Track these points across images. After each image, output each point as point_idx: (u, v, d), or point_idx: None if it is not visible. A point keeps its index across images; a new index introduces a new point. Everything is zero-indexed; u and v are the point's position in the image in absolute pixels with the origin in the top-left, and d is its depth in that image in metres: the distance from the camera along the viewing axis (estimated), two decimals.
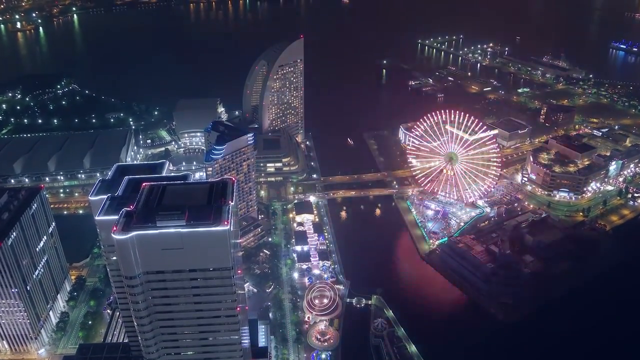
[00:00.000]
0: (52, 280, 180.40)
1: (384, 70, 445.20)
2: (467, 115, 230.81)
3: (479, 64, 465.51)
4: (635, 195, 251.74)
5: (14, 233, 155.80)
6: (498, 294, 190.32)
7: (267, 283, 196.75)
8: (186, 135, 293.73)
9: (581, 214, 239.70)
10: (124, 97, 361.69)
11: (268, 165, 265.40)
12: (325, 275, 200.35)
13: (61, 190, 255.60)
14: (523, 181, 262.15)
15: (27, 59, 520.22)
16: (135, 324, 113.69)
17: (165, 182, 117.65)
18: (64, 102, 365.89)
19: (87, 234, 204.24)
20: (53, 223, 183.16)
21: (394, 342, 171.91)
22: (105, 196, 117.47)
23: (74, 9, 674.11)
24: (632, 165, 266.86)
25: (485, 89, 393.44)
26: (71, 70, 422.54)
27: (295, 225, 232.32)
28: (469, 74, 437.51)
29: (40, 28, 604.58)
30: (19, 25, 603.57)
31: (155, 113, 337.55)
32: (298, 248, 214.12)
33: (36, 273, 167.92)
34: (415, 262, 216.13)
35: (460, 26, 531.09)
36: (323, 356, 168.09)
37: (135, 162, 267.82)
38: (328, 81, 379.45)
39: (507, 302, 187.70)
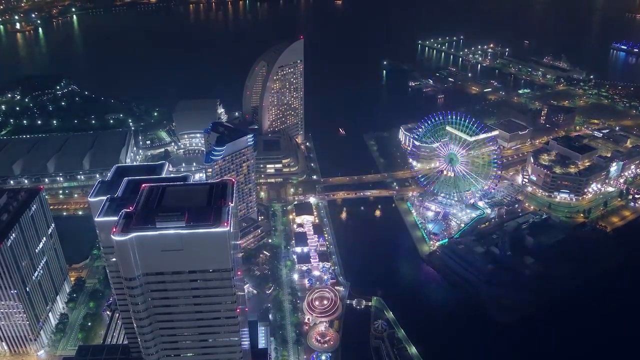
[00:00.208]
0: (52, 281, 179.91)
1: (384, 71, 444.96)
2: (468, 116, 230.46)
3: (479, 65, 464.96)
4: (636, 196, 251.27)
5: (13, 234, 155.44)
6: (498, 295, 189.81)
7: (267, 284, 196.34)
8: (186, 136, 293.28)
9: (582, 215, 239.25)
10: (123, 98, 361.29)
11: (268, 166, 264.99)
12: (326, 277, 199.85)
13: (60, 192, 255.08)
14: (523, 182, 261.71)
15: (26, 60, 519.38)
16: (134, 325, 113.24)
17: (164, 184, 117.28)
18: (63, 103, 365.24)
19: (86, 235, 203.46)
20: (52, 224, 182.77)
21: (394, 343, 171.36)
22: (105, 197, 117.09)
23: (73, 9, 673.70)
24: (633, 167, 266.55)
25: (485, 90, 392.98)
26: (70, 71, 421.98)
27: (295, 226, 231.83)
28: (470, 74, 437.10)
29: (40, 29, 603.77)
30: (18, 26, 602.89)
31: (155, 114, 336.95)
32: (298, 249, 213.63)
33: (35, 274, 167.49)
34: (415, 264, 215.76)
35: (461, 27, 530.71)
36: (323, 358, 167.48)
37: (134, 163, 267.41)
38: (328, 82, 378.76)
39: (508, 304, 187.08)
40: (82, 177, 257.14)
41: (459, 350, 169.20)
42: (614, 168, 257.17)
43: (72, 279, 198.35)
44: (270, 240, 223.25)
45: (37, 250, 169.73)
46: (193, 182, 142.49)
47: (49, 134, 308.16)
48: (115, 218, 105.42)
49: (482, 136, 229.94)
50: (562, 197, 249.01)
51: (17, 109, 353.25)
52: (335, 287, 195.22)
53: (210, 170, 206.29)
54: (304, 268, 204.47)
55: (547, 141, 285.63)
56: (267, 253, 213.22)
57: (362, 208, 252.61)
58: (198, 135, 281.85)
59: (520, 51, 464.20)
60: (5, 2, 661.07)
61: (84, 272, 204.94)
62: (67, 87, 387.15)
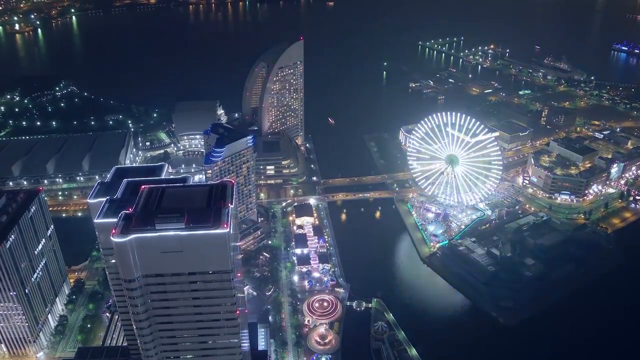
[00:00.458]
0: (51, 283, 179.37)
1: (385, 72, 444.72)
2: (468, 117, 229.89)
3: (479, 66, 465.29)
4: (637, 198, 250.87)
5: (12, 236, 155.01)
6: (499, 297, 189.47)
7: (267, 286, 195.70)
8: (185, 137, 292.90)
9: (582, 216, 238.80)
10: (123, 99, 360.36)
11: (268, 167, 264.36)
12: (325, 279, 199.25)
13: (60, 193, 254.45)
14: (524, 184, 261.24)
15: (25, 61, 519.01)
16: (134, 327, 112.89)
17: (164, 185, 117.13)
18: (62, 104, 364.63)
19: (85, 236, 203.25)
20: (52, 226, 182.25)
21: (394, 345, 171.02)
22: (104, 199, 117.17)
23: (72, 10, 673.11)
24: (633, 168, 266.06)
25: (486, 91, 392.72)
26: (70, 72, 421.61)
27: (295, 228, 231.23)
28: (470, 75, 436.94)
29: (39, 30, 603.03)
30: (17, 26, 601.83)
31: (155, 115, 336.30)
32: (298, 251, 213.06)
33: (35, 276, 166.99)
34: (415, 265, 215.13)
35: (461, 28, 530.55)
36: (323, 359, 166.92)
37: (134, 165, 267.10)
38: (328, 83, 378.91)
39: (508, 305, 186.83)
40: (82, 178, 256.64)
41: (460, 352, 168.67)
42: (614, 169, 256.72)
43: (71, 280, 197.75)
44: (270, 242, 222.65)
45: (36, 252, 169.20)
46: (193, 183, 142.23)
47: (48, 135, 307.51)
48: (115, 219, 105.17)
49: (482, 137, 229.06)
50: (562, 198, 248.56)
51: (16, 110, 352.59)
52: (335, 289, 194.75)
53: (210, 171, 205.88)
54: (304, 270, 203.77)
55: (547, 142, 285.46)
56: (266, 254, 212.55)
57: (362, 209, 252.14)
58: (198, 136, 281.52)
59: (520, 52, 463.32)
60: (4, 3, 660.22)
61: (84, 274, 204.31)
62: (66, 88, 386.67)
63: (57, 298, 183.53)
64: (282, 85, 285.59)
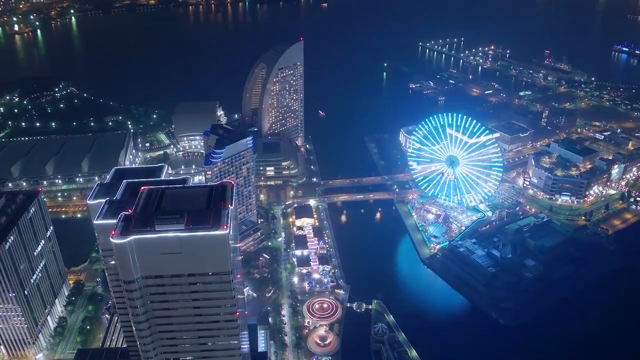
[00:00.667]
0: (50, 284, 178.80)
1: (385, 73, 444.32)
2: (468, 118, 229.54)
3: (480, 67, 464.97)
4: (638, 199, 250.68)
5: (12, 237, 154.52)
6: (499, 298, 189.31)
7: (267, 287, 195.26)
8: (185, 138, 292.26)
9: (583, 218, 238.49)
10: (122, 100, 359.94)
11: (268, 168, 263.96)
12: (326, 280, 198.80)
13: (59, 194, 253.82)
14: (524, 185, 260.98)
15: (24, 62, 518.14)
16: (133, 328, 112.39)
17: (164, 186, 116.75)
18: (62, 105, 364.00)
19: (85, 238, 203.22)
20: (51, 227, 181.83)
21: (394, 347, 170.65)
22: (104, 200, 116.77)
23: (72, 11, 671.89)
24: (634, 169, 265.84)
25: (486, 92, 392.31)
26: (69, 73, 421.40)
27: (295, 229, 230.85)
28: (470, 76, 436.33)
29: (38, 30, 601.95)
30: (16, 27, 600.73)
31: (154, 116, 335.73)
32: (298, 252, 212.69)
33: (34, 277, 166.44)
34: (416, 267, 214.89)
35: (461, 28, 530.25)
36: None
37: (133, 166, 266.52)
38: (328, 83, 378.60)
39: (509, 307, 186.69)
40: (81, 179, 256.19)
41: (460, 353, 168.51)
42: (615, 170, 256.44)
43: (70, 282, 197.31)
44: (270, 243, 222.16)
45: (35, 253, 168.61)
46: (192, 184, 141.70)
47: (48, 136, 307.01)
48: (114, 221, 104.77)
49: (483, 138, 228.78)
50: (563, 199, 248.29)
51: (16, 111, 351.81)
52: (335, 290, 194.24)
53: (209, 172, 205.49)
54: (304, 271, 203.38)
55: (548, 143, 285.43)
56: (266, 256, 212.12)
57: (363, 211, 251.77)
58: (197, 137, 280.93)
59: (521, 53, 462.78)
60: (3, 3, 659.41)
61: (83, 275, 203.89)
62: (65, 89, 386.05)
63: (57, 299, 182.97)
64: (282, 86, 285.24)
